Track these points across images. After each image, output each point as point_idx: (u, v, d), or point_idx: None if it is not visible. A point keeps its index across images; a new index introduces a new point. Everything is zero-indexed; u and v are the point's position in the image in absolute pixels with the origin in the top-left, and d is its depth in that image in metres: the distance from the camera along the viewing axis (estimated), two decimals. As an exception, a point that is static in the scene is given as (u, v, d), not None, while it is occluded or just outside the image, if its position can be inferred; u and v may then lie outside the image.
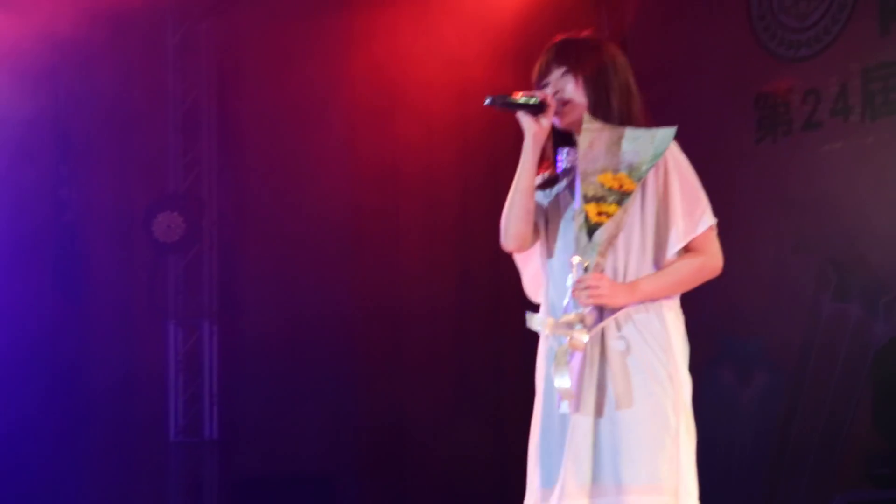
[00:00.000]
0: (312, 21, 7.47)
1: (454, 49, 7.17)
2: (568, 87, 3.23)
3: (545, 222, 3.29)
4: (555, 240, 3.26)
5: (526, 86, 3.28)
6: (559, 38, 3.32)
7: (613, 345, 3.14)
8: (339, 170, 7.63)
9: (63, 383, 7.63)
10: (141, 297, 7.95)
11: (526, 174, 3.25)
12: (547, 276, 3.30)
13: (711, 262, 3.21)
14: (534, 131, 3.22)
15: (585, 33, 3.36)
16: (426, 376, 7.47)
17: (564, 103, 3.23)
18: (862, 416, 5.85)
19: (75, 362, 7.68)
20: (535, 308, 3.32)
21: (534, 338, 3.34)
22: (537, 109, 3.21)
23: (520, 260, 3.39)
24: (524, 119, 3.23)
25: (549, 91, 3.24)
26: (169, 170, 8.00)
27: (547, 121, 3.21)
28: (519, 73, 7.25)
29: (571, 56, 3.25)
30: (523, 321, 3.24)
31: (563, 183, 3.28)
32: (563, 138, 3.29)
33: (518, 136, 3.27)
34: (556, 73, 3.25)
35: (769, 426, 5.99)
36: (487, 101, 3.23)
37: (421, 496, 7.44)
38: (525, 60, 6.95)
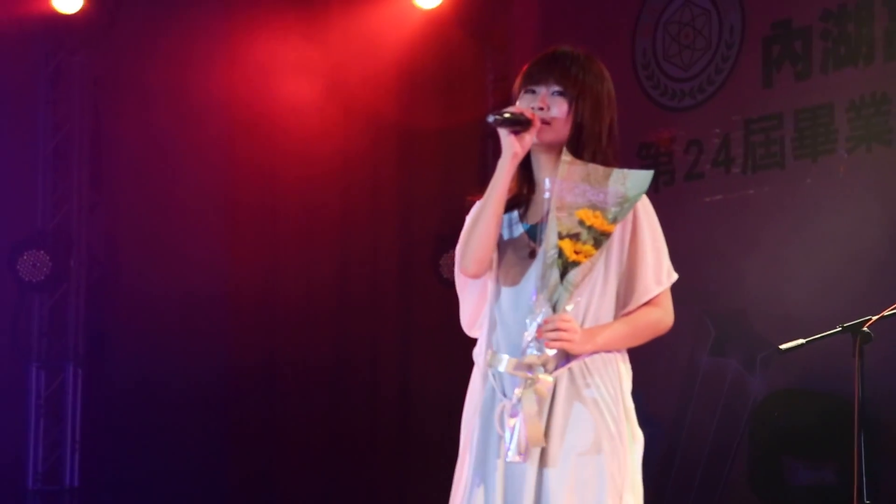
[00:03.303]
0: (190, 53, 7.32)
1: (337, 72, 7.11)
2: (555, 109, 3.02)
3: (498, 252, 3.06)
4: (508, 272, 3.04)
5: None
6: (560, 48, 3.11)
7: (565, 395, 2.95)
8: (215, 211, 7.46)
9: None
10: (3, 337, 7.67)
11: (497, 195, 3.00)
12: (494, 311, 3.06)
13: (666, 318, 3.07)
14: (513, 151, 2.98)
15: (583, 50, 3.11)
16: (299, 430, 7.33)
17: (547, 122, 3.01)
18: (738, 473, 5.81)
19: (-70, 404, 7.38)
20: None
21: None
22: (521, 127, 2.98)
23: (464, 287, 3.15)
24: (506, 137, 2.99)
25: (536, 104, 3.02)
26: (37, 206, 7.75)
27: (529, 141, 2.99)
28: (400, 97, 7.21)
29: (572, 80, 3.03)
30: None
31: (516, 213, 3.07)
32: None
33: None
34: (550, 89, 3.04)
35: (645, 480, 5.91)
36: (490, 119, 2.98)
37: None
38: (406, 86, 6.79)
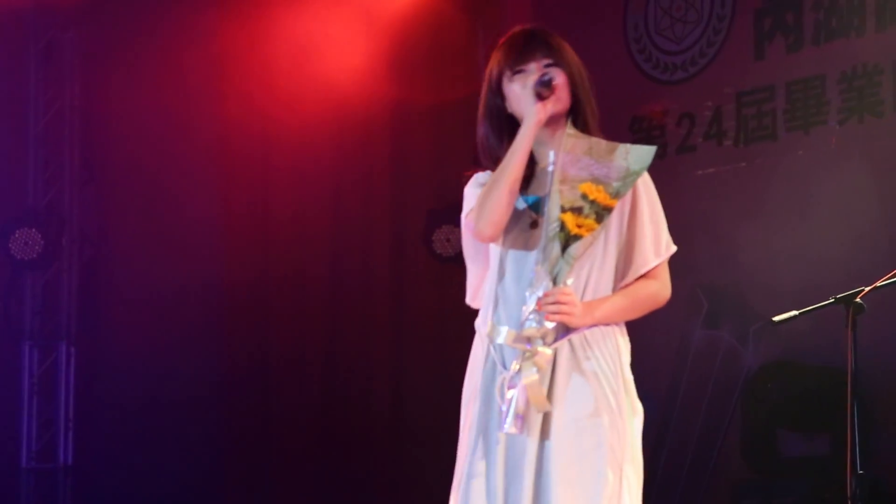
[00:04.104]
0: (182, 30, 7.29)
1: (329, 50, 7.07)
2: (558, 79, 3.00)
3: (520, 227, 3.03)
4: (510, 245, 3.03)
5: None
6: (525, 27, 3.10)
7: (565, 368, 2.95)
8: (207, 186, 7.45)
9: None
10: (-5, 316, 7.66)
11: (518, 159, 2.97)
12: (496, 283, 3.05)
13: (664, 290, 3.07)
14: (538, 117, 2.96)
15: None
16: (292, 399, 7.32)
17: (554, 98, 2.98)
18: (731, 445, 5.82)
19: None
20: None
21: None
22: (549, 92, 2.96)
23: (476, 255, 3.12)
24: (530, 103, 2.97)
25: (535, 77, 2.98)
26: (28, 184, 7.72)
27: (552, 107, 2.98)
28: (392, 73, 7.20)
29: (556, 49, 3.03)
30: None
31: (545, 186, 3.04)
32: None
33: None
34: (541, 63, 3.02)
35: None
36: (536, 86, 2.94)
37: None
38: (398, 63, 6.76)
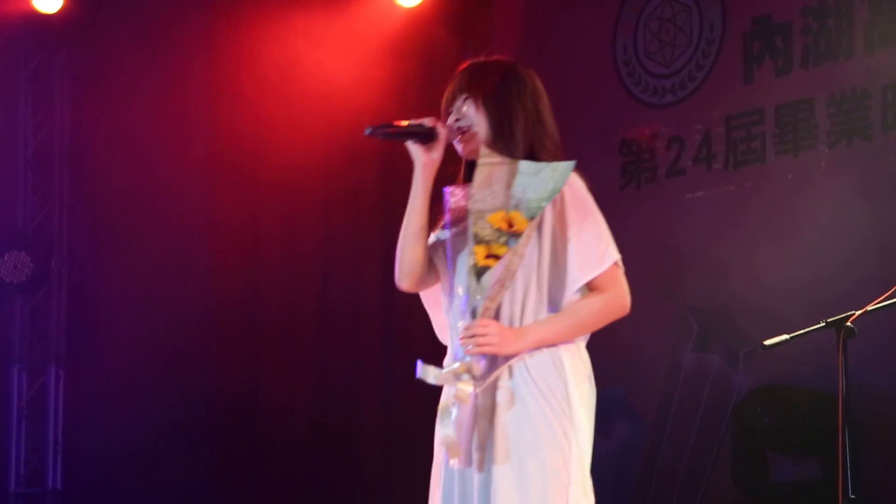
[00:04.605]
0: (171, 52, 7.29)
1: (319, 72, 7.08)
2: (469, 113, 3.04)
3: (451, 262, 3.07)
4: (454, 281, 3.05)
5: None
6: (467, 63, 3.15)
7: (501, 396, 2.96)
8: (197, 209, 7.42)
9: None
10: (-16, 339, 7.62)
11: (415, 209, 3.05)
12: (449, 321, 3.10)
13: (616, 301, 3.03)
14: (422, 161, 3.02)
15: (496, 57, 3.17)
16: (283, 417, 7.29)
17: (463, 131, 3.04)
18: (721, 469, 5.80)
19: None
20: (431, 356, 3.11)
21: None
22: (426, 137, 3.00)
23: (425, 300, 3.19)
24: (412, 149, 3.03)
25: (451, 118, 3.05)
26: (18, 206, 7.71)
27: (438, 151, 3.02)
28: (382, 95, 7.19)
29: (473, 80, 3.06)
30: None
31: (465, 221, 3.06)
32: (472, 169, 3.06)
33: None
34: (460, 99, 3.06)
35: (629, 477, 5.92)
36: (368, 131, 3.02)
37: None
38: (388, 85, 6.76)
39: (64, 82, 7.78)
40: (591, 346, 3.18)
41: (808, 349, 4.23)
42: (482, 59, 3.17)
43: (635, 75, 6.37)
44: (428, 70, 7.32)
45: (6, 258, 7.55)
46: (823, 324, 3.65)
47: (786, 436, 5.61)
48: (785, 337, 3.74)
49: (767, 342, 3.76)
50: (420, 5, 7.14)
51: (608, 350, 5.73)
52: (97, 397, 7.51)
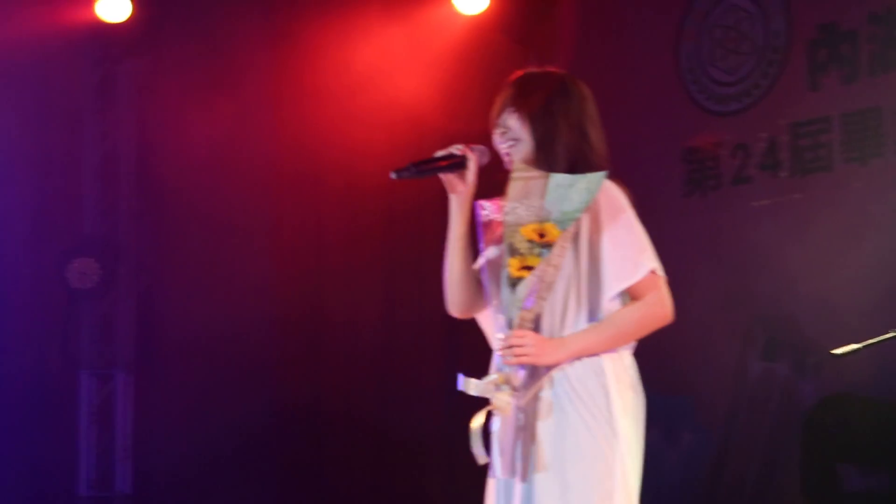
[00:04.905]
0: (236, 63, 7.35)
1: (380, 80, 7.12)
2: (514, 126, 3.07)
3: (492, 276, 3.10)
4: (498, 296, 3.08)
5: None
6: (517, 74, 3.17)
7: (542, 406, 2.98)
8: (261, 216, 7.49)
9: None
10: (53, 345, 7.71)
11: (454, 238, 3.10)
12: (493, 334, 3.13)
13: (656, 309, 3.02)
14: (459, 190, 3.07)
15: (547, 69, 3.19)
16: (345, 427, 7.32)
17: (512, 144, 3.07)
18: (790, 481, 5.77)
19: (-19, 413, 7.43)
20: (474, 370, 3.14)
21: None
22: (458, 167, 3.04)
23: (481, 322, 3.22)
24: (446, 180, 3.07)
25: (498, 131, 3.08)
26: (85, 214, 7.80)
27: (472, 176, 3.05)
28: (444, 104, 7.19)
29: (520, 94, 3.09)
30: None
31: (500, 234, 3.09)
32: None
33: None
34: (507, 113, 3.09)
35: (696, 487, 5.90)
36: (394, 175, 3.08)
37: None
38: (449, 93, 6.74)
39: (129, 91, 7.86)
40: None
41: (878, 358, 4.21)
42: (533, 70, 3.18)
43: (699, 83, 6.35)
44: (489, 78, 7.30)
45: (74, 265, 7.63)
46: (894, 333, 3.62)
47: (855, 446, 5.57)
48: (856, 346, 3.71)
49: (837, 351, 3.73)
50: (482, 13, 7.16)
51: (675, 359, 5.74)
52: (164, 403, 7.58)
